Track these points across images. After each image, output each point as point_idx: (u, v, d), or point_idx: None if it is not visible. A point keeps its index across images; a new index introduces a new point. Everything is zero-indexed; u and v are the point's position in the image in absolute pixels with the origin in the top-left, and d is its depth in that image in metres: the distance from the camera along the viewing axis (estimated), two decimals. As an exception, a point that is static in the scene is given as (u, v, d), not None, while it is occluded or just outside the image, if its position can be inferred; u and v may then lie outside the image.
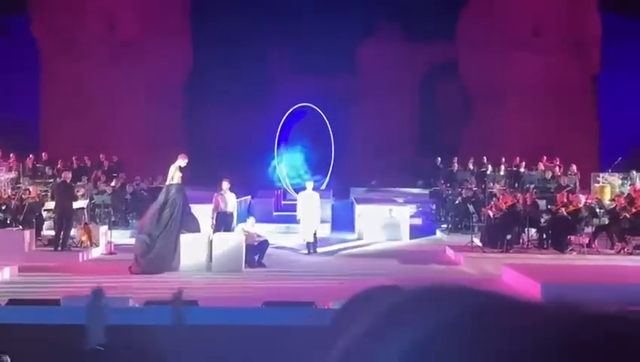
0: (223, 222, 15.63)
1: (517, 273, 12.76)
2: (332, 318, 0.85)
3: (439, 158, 24.26)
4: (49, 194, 17.76)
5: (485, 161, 22.75)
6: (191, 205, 15.15)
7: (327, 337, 0.78)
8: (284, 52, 30.21)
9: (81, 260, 15.37)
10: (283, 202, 23.84)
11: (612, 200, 18.36)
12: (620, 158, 21.77)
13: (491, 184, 20.37)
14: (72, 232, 16.27)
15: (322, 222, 18.94)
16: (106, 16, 27.53)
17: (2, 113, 26.18)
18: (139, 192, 21.15)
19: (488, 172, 21.89)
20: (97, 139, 25.47)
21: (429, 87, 30.35)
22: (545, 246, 16.20)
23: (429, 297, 0.68)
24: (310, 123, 25.90)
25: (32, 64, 28.04)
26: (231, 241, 14.45)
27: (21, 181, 20.53)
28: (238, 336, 8.16)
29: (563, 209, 15.99)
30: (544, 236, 16.39)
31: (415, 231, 19.64)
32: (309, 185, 18.09)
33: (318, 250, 17.20)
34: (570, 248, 15.78)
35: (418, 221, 21.13)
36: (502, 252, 15.59)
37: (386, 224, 19.20)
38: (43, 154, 23.52)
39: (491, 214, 16.69)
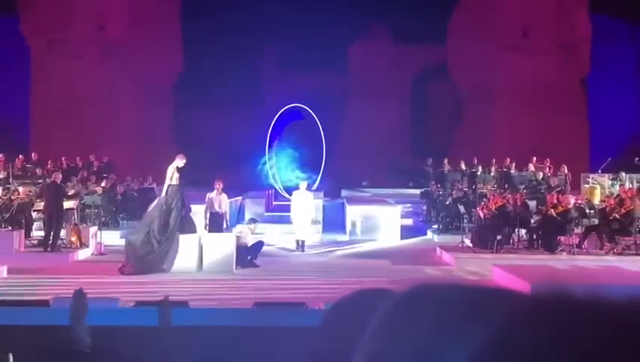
0: (215, 223, 15.62)
1: (507, 273, 12.79)
2: (321, 320, 0.84)
3: (430, 159, 24.32)
4: (38, 194, 17.67)
5: (476, 161, 22.81)
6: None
7: (317, 338, 0.78)
8: (276, 52, 30.20)
9: (70, 261, 15.30)
10: (274, 202, 23.82)
11: (602, 201, 18.44)
12: (609, 159, 21.86)
13: (482, 185, 20.42)
14: (62, 233, 16.18)
15: (313, 223, 19.02)
16: (95, 17, 27.43)
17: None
18: (129, 193, 21.09)
19: (479, 173, 21.94)
20: (87, 139, 25.37)
21: (421, 87, 30.41)
22: (535, 246, 16.25)
23: (426, 297, 0.68)
24: (301, 123, 25.90)
25: (21, 64, 27.91)
26: (222, 242, 14.43)
27: (11, 181, 20.42)
28: (229, 337, 8.14)
29: (552, 210, 16.05)
30: (534, 236, 16.44)
31: (406, 232, 19.67)
32: (303, 184, 18.36)
33: (310, 250, 17.27)
34: (560, 248, 15.83)
35: (409, 221, 21.17)
36: (492, 252, 15.62)
37: (377, 224, 19.22)
38: (33, 154, 23.40)
39: (482, 215, 16.73)
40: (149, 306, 9.62)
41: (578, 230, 16.56)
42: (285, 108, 25.65)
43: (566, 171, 21.05)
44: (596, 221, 16.86)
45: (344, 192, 25.18)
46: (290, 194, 19.37)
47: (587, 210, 17.60)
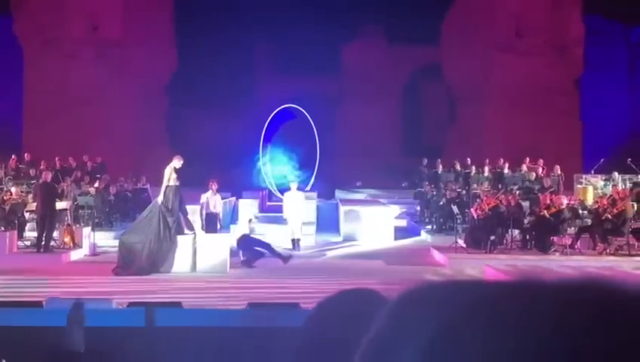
0: (210, 223, 15.63)
1: (500, 274, 12.82)
2: (307, 319, 0.84)
3: (424, 159, 24.33)
4: (33, 195, 17.61)
5: (469, 162, 22.85)
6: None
7: (303, 337, 0.78)
8: (269, 52, 30.20)
9: (63, 262, 15.25)
10: (268, 203, 23.82)
11: (595, 201, 18.49)
12: (602, 160, 21.92)
13: (475, 185, 20.45)
14: (55, 234, 16.13)
15: (307, 223, 19.08)
16: (89, 17, 27.36)
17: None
18: (122, 193, 21.04)
19: (472, 173, 21.97)
20: (81, 139, 25.29)
21: (414, 88, 30.45)
22: (528, 247, 16.29)
23: (423, 298, 0.67)
24: (295, 124, 25.90)
25: (14, 64, 27.82)
26: (216, 243, 14.43)
27: (4, 182, 20.35)
28: (223, 338, 8.13)
29: (545, 210, 16.09)
30: (527, 237, 16.48)
31: (400, 232, 19.69)
32: (294, 185, 18.82)
33: (304, 251, 17.35)
34: (553, 249, 15.88)
35: (403, 222, 21.19)
36: (485, 253, 15.65)
37: (370, 225, 19.24)
38: (25, 154, 23.33)
39: (475, 215, 16.76)
40: (142, 307, 9.60)
41: (571, 230, 16.61)
42: (279, 109, 25.65)
43: (559, 172, 21.10)
44: (589, 221, 16.91)
45: (338, 193, 25.20)
46: (283, 195, 19.55)
47: (580, 211, 17.65)
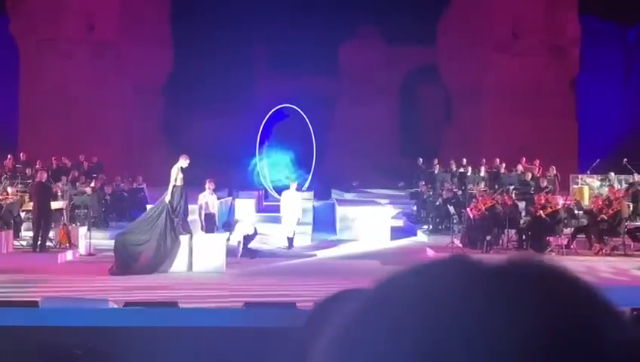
0: (209, 223, 15.65)
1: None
2: (306, 320, 0.84)
3: (420, 159, 24.34)
4: (27, 195, 17.58)
5: (465, 162, 22.86)
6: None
7: (301, 338, 0.78)
8: (265, 52, 30.18)
9: (59, 261, 15.23)
10: (264, 203, 23.81)
11: (590, 202, 18.53)
12: (598, 160, 21.96)
13: (471, 185, 20.47)
14: (51, 233, 16.11)
15: (303, 223, 19.14)
16: (85, 17, 27.32)
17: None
18: (118, 193, 21.01)
19: (468, 173, 21.99)
20: (77, 139, 25.26)
21: (411, 88, 30.46)
22: (524, 247, 16.31)
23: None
24: (292, 124, 25.89)
25: (11, 64, 27.76)
26: (212, 242, 14.43)
27: (0, 181, 20.31)
28: (219, 338, 8.12)
29: (542, 211, 16.11)
30: (523, 237, 16.50)
31: (396, 232, 19.69)
32: (293, 185, 19.00)
33: (300, 251, 17.42)
34: (549, 249, 15.91)
35: (399, 222, 21.19)
36: (482, 253, 15.67)
37: (366, 225, 19.25)
38: (21, 154, 23.28)
39: (471, 215, 16.78)
40: (138, 306, 9.60)
41: (567, 231, 16.63)
42: (275, 109, 25.65)
43: (555, 172, 21.13)
44: (585, 222, 16.94)
45: (334, 193, 25.19)
46: (280, 195, 19.62)
47: (576, 211, 17.67)
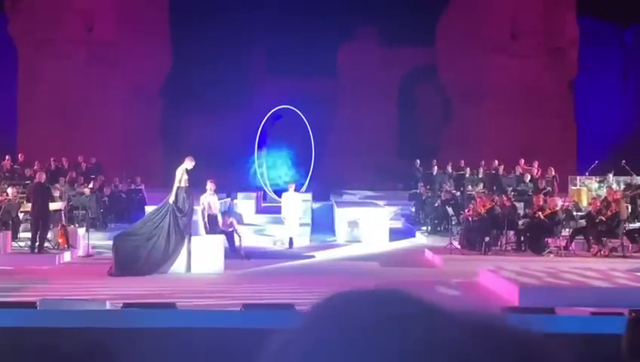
0: (212, 224, 15.64)
1: (494, 275, 12.83)
2: (301, 321, 0.84)
3: (418, 161, 24.34)
4: (25, 196, 17.56)
5: (463, 164, 22.86)
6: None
7: (296, 340, 0.78)
8: (264, 54, 30.18)
9: (57, 262, 15.22)
10: (263, 204, 23.83)
11: (589, 203, 18.53)
12: (596, 162, 21.97)
13: (470, 187, 20.47)
14: (50, 234, 16.10)
15: (302, 224, 19.19)
16: (84, 18, 27.31)
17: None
18: (117, 194, 21.00)
19: (467, 175, 21.99)
20: (75, 140, 25.25)
21: (409, 89, 30.47)
22: (523, 248, 16.31)
23: (358, 301, 0.72)
24: (290, 125, 25.89)
25: (9, 64, 27.75)
26: (211, 243, 14.42)
27: (-1, 183, 20.31)
28: (217, 339, 8.12)
29: (540, 212, 16.11)
30: (522, 239, 16.50)
31: (395, 234, 19.70)
32: (291, 186, 19.16)
33: (299, 252, 17.44)
34: (547, 250, 15.91)
35: (398, 223, 21.19)
36: (480, 254, 15.68)
37: (365, 226, 19.25)
38: (19, 155, 23.27)
39: (470, 217, 16.78)
40: (136, 308, 9.59)
41: (565, 232, 16.64)
42: (274, 110, 25.65)
43: (553, 173, 21.13)
44: (583, 223, 16.94)
45: (333, 194, 25.19)
46: (279, 196, 19.80)
47: (574, 212, 17.67)
